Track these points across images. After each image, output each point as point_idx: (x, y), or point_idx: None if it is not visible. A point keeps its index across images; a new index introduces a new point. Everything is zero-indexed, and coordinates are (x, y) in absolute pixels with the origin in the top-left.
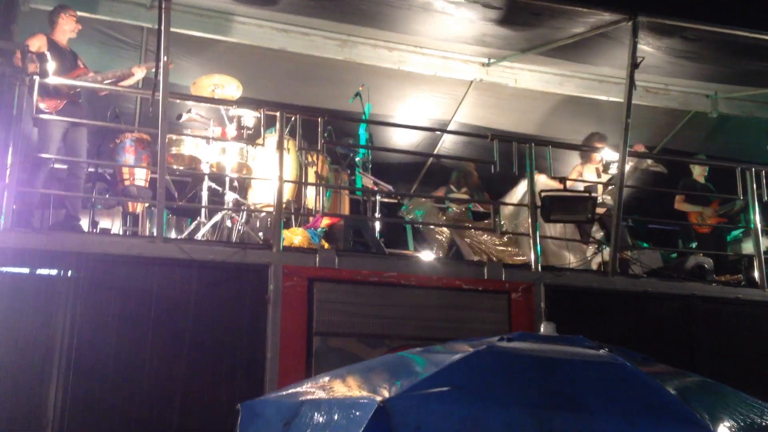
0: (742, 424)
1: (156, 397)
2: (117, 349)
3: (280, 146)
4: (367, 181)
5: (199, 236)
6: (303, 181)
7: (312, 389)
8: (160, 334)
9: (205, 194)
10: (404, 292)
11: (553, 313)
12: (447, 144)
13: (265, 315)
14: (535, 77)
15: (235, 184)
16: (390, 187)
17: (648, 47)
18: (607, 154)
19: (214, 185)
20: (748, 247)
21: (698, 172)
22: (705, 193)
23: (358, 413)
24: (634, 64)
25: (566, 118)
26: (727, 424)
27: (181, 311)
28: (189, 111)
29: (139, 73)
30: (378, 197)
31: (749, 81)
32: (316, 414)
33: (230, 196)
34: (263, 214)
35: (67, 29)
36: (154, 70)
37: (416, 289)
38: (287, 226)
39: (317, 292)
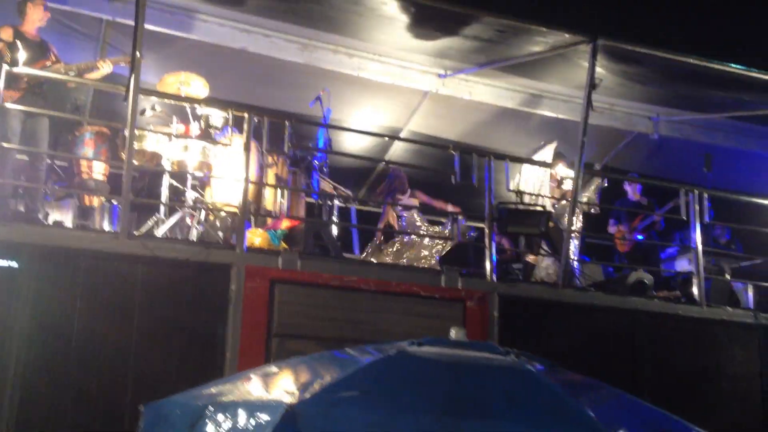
0: (639, 429)
1: (111, 396)
2: (75, 344)
3: (247, 147)
4: (326, 185)
5: (159, 234)
6: (264, 182)
7: (220, 390)
8: (119, 330)
9: (165, 191)
10: (364, 296)
11: (506, 322)
12: (398, 152)
13: (226, 315)
14: (489, 91)
15: (195, 182)
16: (349, 192)
17: (598, 67)
18: (561, 170)
19: (174, 182)
20: (681, 265)
21: (631, 191)
22: (638, 210)
23: (265, 417)
24: (592, 86)
25: (513, 132)
26: (625, 428)
27: (143, 308)
28: (153, 107)
29: (106, 68)
30: (336, 201)
31: (690, 105)
32: (221, 416)
33: (191, 195)
34: (223, 213)
35: (35, 18)
36: (122, 65)
37: (376, 294)
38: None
39: (278, 294)
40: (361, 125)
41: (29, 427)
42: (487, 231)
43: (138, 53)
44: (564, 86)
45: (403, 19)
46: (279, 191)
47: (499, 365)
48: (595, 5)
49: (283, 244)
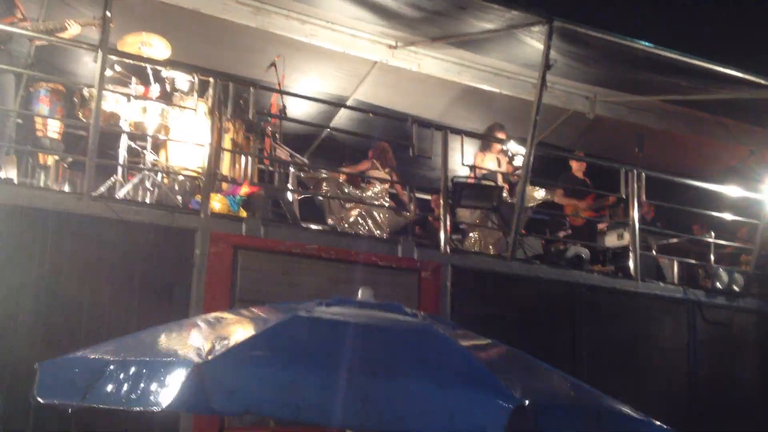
0: (545, 393)
1: None
2: (39, 303)
3: (212, 112)
4: (281, 152)
5: (120, 195)
6: (227, 148)
7: (122, 348)
8: (82, 292)
9: (122, 152)
10: (324, 264)
11: (458, 292)
12: (342, 120)
13: (190, 279)
14: (437, 64)
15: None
16: (305, 160)
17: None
18: (512, 146)
19: (133, 144)
20: (611, 240)
21: (576, 168)
22: (583, 188)
23: (171, 376)
24: (546, 65)
25: (459, 106)
26: (530, 391)
27: (106, 271)
28: (113, 67)
29: (74, 28)
30: (292, 169)
31: (625, 87)
32: (123, 375)
33: (150, 157)
34: (181, 177)
35: None
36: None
37: (336, 263)
38: None
39: (242, 260)
40: (307, 92)
41: None
42: (442, 204)
43: (108, 13)
44: (509, 63)
45: None
46: (235, 157)
47: (407, 326)
48: None
49: (242, 211)
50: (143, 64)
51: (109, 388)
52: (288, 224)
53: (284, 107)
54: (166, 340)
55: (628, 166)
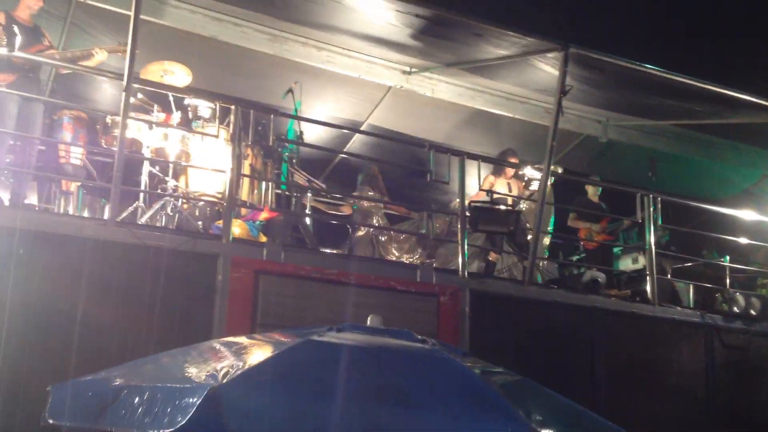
0: (553, 421)
1: None
2: (61, 329)
3: (233, 139)
4: (299, 177)
5: (142, 221)
6: (248, 174)
7: (136, 372)
8: (105, 317)
9: (144, 178)
10: (344, 289)
11: (476, 317)
12: (356, 145)
13: (212, 304)
14: (450, 89)
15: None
16: (323, 185)
17: (556, 71)
18: (528, 171)
19: (154, 170)
20: (625, 264)
21: (592, 192)
22: (598, 212)
23: (185, 400)
24: (562, 92)
25: (470, 130)
26: (540, 419)
27: (131, 296)
28: (135, 94)
29: (100, 56)
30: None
31: (637, 111)
32: (137, 399)
33: (172, 183)
34: (201, 203)
35: (30, 4)
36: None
37: (355, 287)
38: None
39: (262, 285)
40: (322, 117)
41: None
42: (459, 228)
43: (134, 42)
44: (520, 88)
45: (374, 16)
46: (254, 182)
47: (417, 352)
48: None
49: (262, 236)
50: (165, 92)
51: (123, 411)
52: (307, 249)
53: (301, 133)
54: (180, 364)
55: (644, 190)
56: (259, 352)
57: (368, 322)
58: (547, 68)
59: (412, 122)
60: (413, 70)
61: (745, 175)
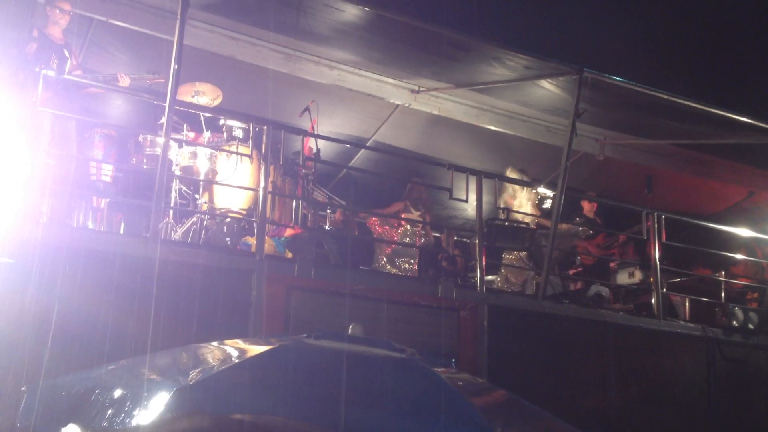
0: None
1: None
2: (96, 346)
3: (266, 158)
4: (319, 194)
5: (176, 238)
6: (276, 192)
7: (112, 373)
8: (144, 332)
9: (174, 195)
10: (370, 304)
11: (493, 330)
12: (360, 160)
13: (247, 320)
14: (456, 107)
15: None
16: (342, 202)
17: (561, 91)
18: (541, 190)
19: (183, 188)
20: (622, 278)
21: (588, 209)
22: (598, 228)
23: (155, 399)
24: (576, 114)
25: (471, 147)
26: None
27: (167, 311)
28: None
29: (124, 81)
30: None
31: (634, 130)
32: (109, 399)
33: (202, 200)
34: (228, 219)
35: (57, 21)
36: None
37: (381, 302)
38: (250, 233)
39: (294, 300)
40: (329, 133)
41: None
42: (477, 245)
43: (178, 66)
44: (524, 107)
45: (388, 38)
46: (276, 199)
47: (393, 360)
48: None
49: (287, 251)
50: (195, 112)
51: (95, 411)
52: (334, 265)
53: (318, 150)
54: (154, 366)
55: (648, 209)
56: (233, 355)
57: (349, 331)
58: (548, 86)
59: (417, 139)
60: (421, 89)
61: (733, 192)
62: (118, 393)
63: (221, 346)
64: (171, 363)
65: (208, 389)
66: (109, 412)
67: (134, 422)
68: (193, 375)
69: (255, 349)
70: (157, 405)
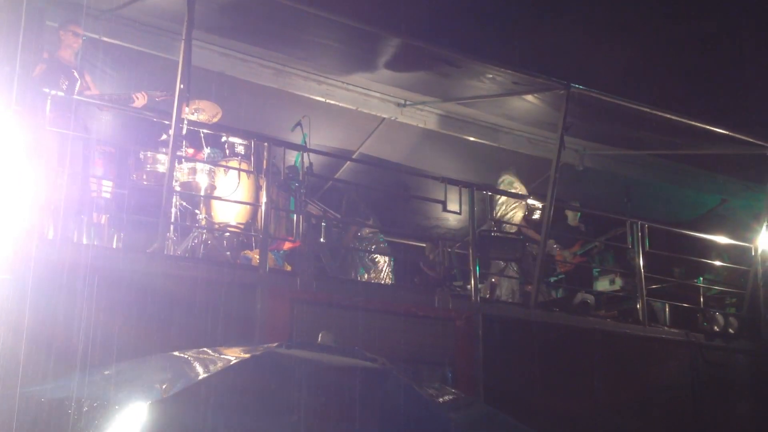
0: None
1: None
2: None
3: (267, 174)
4: (313, 207)
5: (178, 252)
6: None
7: (82, 383)
8: (152, 345)
9: (174, 211)
10: (369, 315)
11: (488, 339)
12: (345, 172)
13: (252, 333)
14: (442, 120)
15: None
16: (337, 215)
17: (543, 104)
18: (531, 201)
19: (184, 203)
20: (603, 285)
21: (572, 217)
22: (581, 237)
23: (128, 412)
24: (564, 128)
25: (455, 158)
26: None
27: (171, 326)
28: (167, 131)
29: (140, 101)
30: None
31: (613, 141)
32: (77, 411)
33: (201, 216)
34: (228, 234)
35: (70, 44)
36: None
37: (379, 313)
38: (249, 247)
39: (297, 312)
40: (318, 147)
41: None
42: (470, 255)
43: (187, 85)
44: (508, 119)
45: (377, 54)
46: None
47: (366, 370)
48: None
49: (286, 265)
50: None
51: (63, 422)
52: (332, 278)
53: (311, 165)
54: (126, 376)
55: (632, 218)
56: (205, 366)
57: (319, 339)
58: (531, 99)
59: (400, 151)
60: (408, 102)
61: (706, 199)
62: (91, 403)
63: (198, 355)
64: (141, 375)
65: (184, 403)
66: (82, 422)
67: None
68: (164, 388)
69: (227, 359)
70: (128, 419)
